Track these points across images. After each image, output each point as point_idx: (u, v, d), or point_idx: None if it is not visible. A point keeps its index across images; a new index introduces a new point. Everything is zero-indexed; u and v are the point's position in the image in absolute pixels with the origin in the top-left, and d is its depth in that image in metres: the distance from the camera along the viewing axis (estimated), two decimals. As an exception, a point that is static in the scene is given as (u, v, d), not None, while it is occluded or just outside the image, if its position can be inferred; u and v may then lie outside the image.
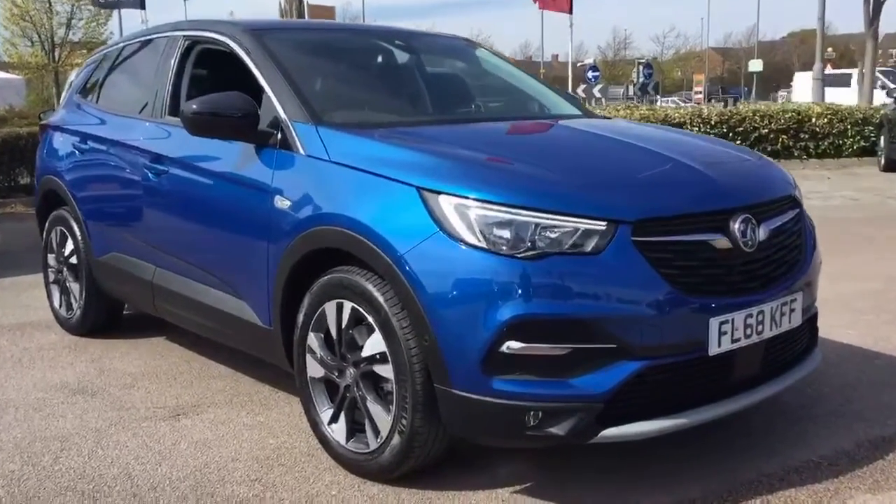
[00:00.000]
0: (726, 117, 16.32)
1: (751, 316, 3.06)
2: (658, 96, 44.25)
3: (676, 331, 2.92)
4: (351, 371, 3.31)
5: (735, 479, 3.25)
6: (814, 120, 16.57)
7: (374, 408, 3.22)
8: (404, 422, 3.07)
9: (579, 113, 4.68)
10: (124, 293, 4.95)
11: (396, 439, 3.12)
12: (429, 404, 3.02)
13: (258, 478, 3.36)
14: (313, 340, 3.45)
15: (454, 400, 2.92)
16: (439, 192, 2.98)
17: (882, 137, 15.49)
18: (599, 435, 2.87)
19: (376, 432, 3.22)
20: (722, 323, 2.97)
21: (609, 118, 4.95)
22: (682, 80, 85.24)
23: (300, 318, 3.49)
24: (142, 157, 4.51)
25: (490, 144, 3.60)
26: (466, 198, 2.94)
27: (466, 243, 2.89)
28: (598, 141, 3.79)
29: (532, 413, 2.85)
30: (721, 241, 3.04)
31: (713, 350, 2.98)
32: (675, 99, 56.65)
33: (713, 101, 47.64)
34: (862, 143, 16.77)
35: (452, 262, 2.90)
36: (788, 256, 3.33)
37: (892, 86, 26.12)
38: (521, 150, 3.57)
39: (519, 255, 2.84)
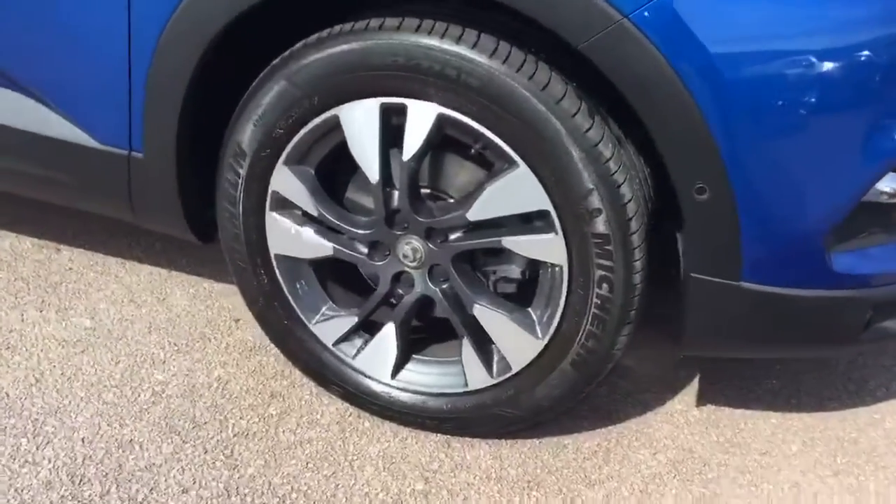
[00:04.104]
0: None
1: None
2: None
3: None
4: (417, 246, 1.57)
5: None
6: None
7: (491, 316, 1.57)
8: (590, 343, 1.51)
9: None
10: None
11: (563, 372, 1.56)
12: (642, 312, 1.50)
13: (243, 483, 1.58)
14: (291, 182, 1.58)
15: (742, 301, 1.44)
16: None
17: None
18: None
19: (489, 359, 1.61)
20: None
21: None
22: None
23: (245, 134, 1.56)
24: None
25: None
26: None
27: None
28: None
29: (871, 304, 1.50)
30: None
31: None
32: None
33: None
34: None
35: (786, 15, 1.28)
36: None
37: None
38: None
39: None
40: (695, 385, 1.92)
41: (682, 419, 1.82)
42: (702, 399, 1.88)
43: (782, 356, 1.89)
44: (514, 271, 1.58)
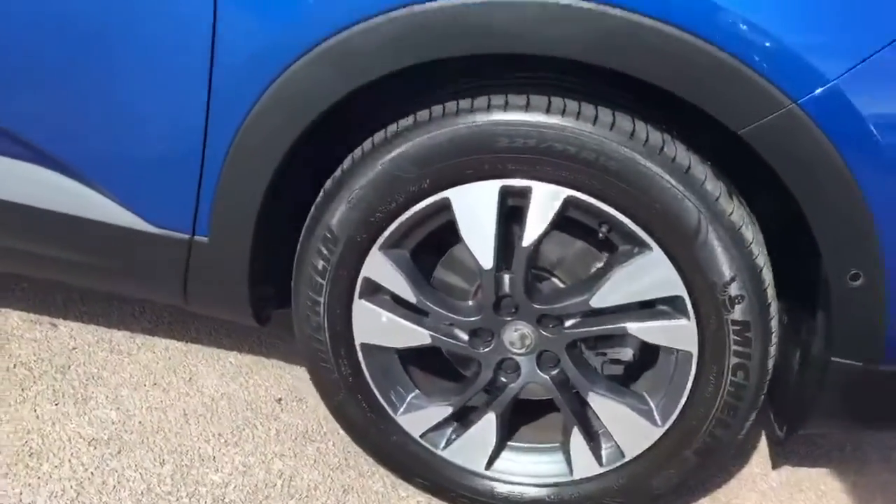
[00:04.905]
0: None
1: None
2: None
3: None
4: (527, 332, 1.46)
5: None
6: None
7: (605, 404, 1.49)
8: (718, 431, 1.45)
9: None
10: None
11: (684, 460, 1.49)
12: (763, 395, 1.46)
13: None
14: (386, 267, 1.44)
15: (879, 383, 1.41)
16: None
17: None
18: None
19: (598, 446, 1.53)
20: None
21: None
22: None
23: (337, 217, 1.41)
24: None
25: None
26: None
27: None
28: None
29: None
30: None
31: None
32: None
33: None
34: None
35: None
36: None
37: None
38: None
39: None
40: (764, 444, 1.89)
41: (766, 485, 1.78)
42: (776, 461, 1.85)
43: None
44: (627, 353, 1.50)
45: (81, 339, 1.94)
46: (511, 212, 1.39)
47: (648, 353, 1.50)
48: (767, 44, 1.18)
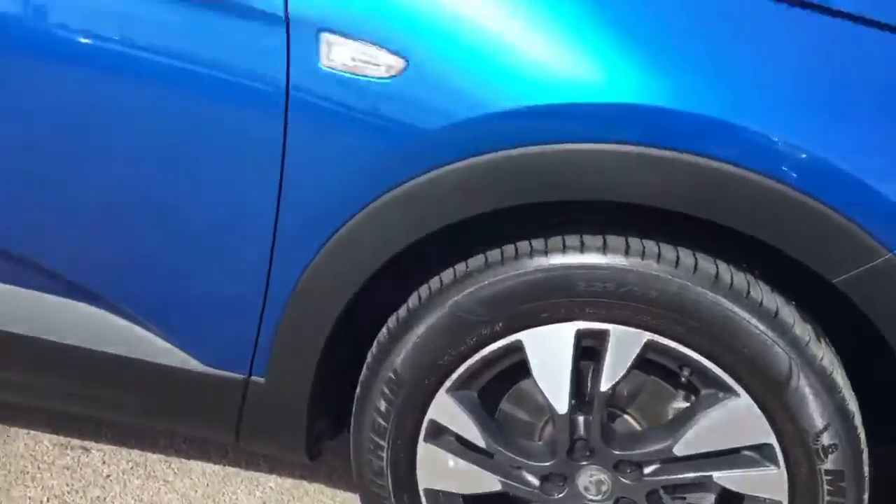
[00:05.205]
0: None
1: None
2: None
3: None
4: (603, 478, 1.38)
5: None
6: None
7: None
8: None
9: None
10: None
11: None
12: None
13: None
14: (453, 410, 1.38)
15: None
16: None
17: None
18: None
19: None
20: None
21: None
22: None
23: (401, 358, 1.35)
24: None
25: None
26: None
27: None
28: None
29: None
30: None
31: None
32: None
33: None
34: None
35: None
36: None
37: None
38: None
39: None
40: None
41: None
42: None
43: None
44: (709, 500, 1.42)
45: (115, 465, 1.86)
46: (585, 351, 1.33)
47: (731, 497, 1.42)
48: (864, 195, 1.13)
